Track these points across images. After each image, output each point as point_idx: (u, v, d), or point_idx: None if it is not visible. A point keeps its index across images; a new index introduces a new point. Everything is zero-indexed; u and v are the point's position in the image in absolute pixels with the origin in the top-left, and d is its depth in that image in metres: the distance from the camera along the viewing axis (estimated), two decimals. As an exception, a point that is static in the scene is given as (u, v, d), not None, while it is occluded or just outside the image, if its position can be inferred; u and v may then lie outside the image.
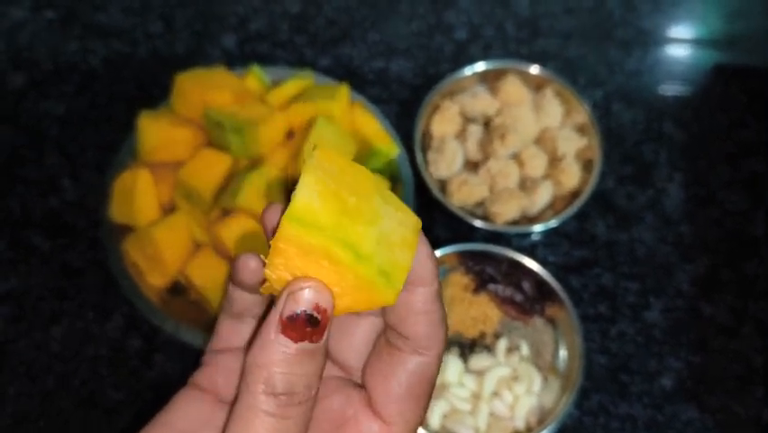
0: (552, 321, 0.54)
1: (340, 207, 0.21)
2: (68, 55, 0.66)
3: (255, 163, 0.51)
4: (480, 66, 0.61)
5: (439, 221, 0.59)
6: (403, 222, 0.23)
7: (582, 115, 0.59)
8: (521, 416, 0.50)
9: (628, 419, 0.52)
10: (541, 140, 0.60)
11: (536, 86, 0.62)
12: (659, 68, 0.66)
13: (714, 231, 0.59)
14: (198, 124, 0.52)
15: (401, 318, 0.25)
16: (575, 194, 0.57)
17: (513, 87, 0.60)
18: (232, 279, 0.27)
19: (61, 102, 0.63)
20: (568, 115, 0.61)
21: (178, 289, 0.52)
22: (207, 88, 0.52)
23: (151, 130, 0.51)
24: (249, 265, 0.26)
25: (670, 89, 0.65)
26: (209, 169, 0.49)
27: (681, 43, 0.68)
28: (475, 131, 0.60)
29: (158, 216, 0.51)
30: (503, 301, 0.54)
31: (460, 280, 0.55)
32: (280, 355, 0.22)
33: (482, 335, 0.54)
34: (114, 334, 0.55)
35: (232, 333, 0.29)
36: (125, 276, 0.50)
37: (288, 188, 0.23)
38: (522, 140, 0.59)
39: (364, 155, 0.53)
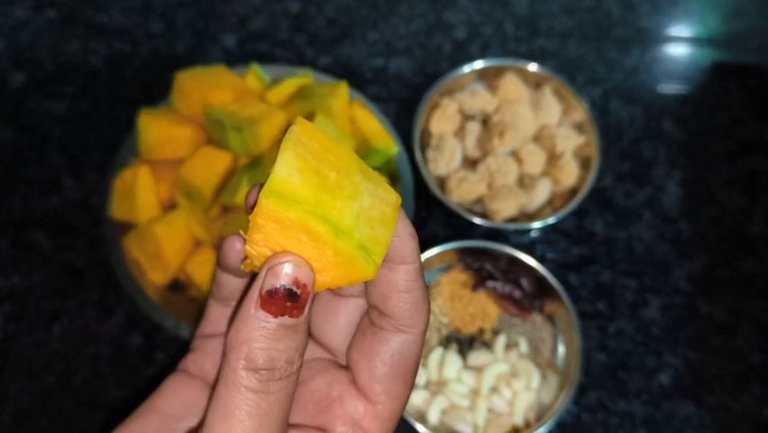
0: (550, 318, 0.54)
1: (319, 182, 0.21)
2: (70, 55, 0.66)
3: (255, 161, 0.51)
4: (479, 64, 0.62)
5: (438, 218, 0.59)
6: (383, 198, 0.23)
7: (581, 112, 0.60)
8: (519, 412, 0.50)
9: (626, 416, 0.53)
10: (539, 137, 0.60)
11: (535, 84, 0.62)
12: (657, 66, 0.67)
13: (712, 229, 0.59)
14: (198, 122, 0.53)
15: (384, 297, 0.25)
16: (574, 191, 0.57)
17: (512, 85, 0.60)
18: (218, 263, 0.27)
19: (63, 102, 0.64)
20: (566, 113, 0.61)
21: (178, 286, 0.52)
22: (207, 87, 0.52)
23: (152, 128, 0.51)
24: (235, 247, 0.26)
25: (668, 87, 0.66)
26: (209, 166, 0.49)
27: (679, 42, 0.68)
28: (474, 128, 0.60)
29: (158, 214, 0.51)
30: (502, 298, 0.54)
31: (458, 277, 0.55)
32: (260, 331, 0.22)
33: (481, 331, 0.54)
34: (114, 332, 0.55)
35: (220, 318, 0.29)
36: (126, 273, 0.50)
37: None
38: (520, 137, 0.59)
39: (363, 153, 0.54)
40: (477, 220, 0.55)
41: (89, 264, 0.57)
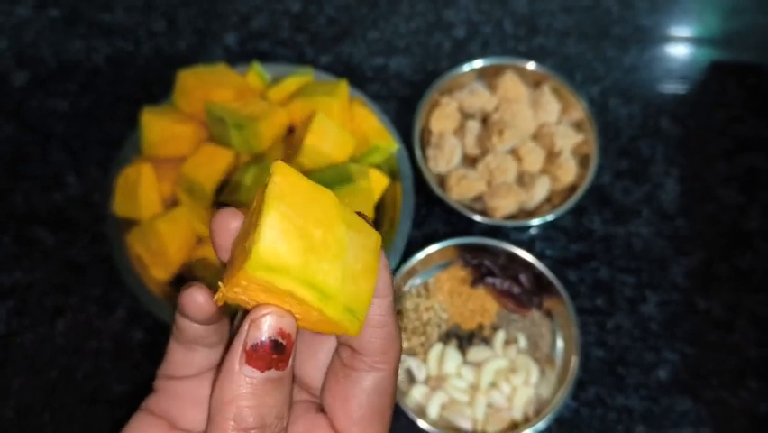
0: (549, 314, 0.55)
1: (306, 245, 0.21)
2: (72, 53, 0.66)
3: (256, 158, 0.51)
4: (479, 63, 0.62)
5: (438, 215, 0.59)
6: (365, 245, 0.22)
7: (579, 111, 0.60)
8: (518, 407, 0.51)
9: (624, 411, 0.53)
10: (538, 135, 0.60)
11: (534, 82, 0.63)
12: (656, 64, 0.67)
13: (710, 225, 0.60)
14: (200, 119, 0.53)
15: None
16: (572, 189, 0.58)
17: (511, 84, 0.61)
18: (178, 309, 0.25)
19: (65, 99, 0.64)
20: (565, 112, 0.61)
21: (180, 282, 0.53)
22: (209, 85, 0.52)
23: (154, 125, 0.51)
24: (196, 300, 0.24)
25: (667, 86, 0.66)
26: (211, 164, 0.50)
27: (678, 40, 0.69)
28: (473, 127, 0.60)
29: (160, 211, 0.51)
30: (501, 294, 0.54)
31: (458, 274, 0.55)
32: (247, 387, 0.21)
33: (480, 327, 0.54)
34: (117, 327, 0.55)
35: (183, 361, 0.27)
36: (129, 269, 0.50)
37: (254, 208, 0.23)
38: (520, 135, 0.59)
39: (364, 151, 0.54)
40: (477, 217, 0.56)
41: (91, 260, 0.58)
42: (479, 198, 0.59)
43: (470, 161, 0.61)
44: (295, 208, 0.21)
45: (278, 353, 0.22)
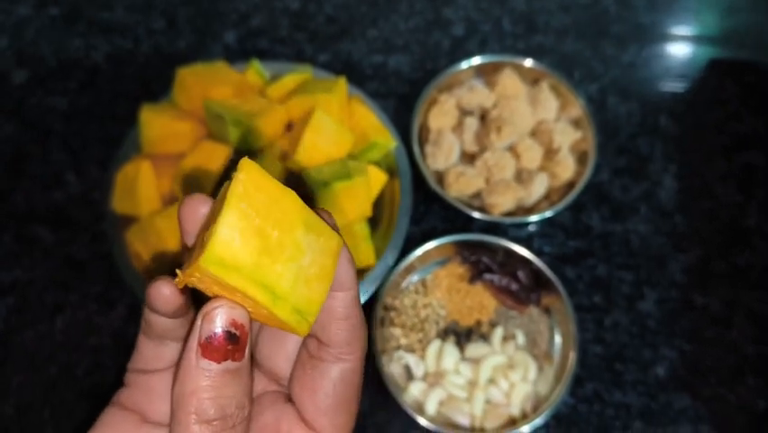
0: (547, 311, 0.55)
1: (261, 245, 0.21)
2: (72, 51, 0.67)
3: (254, 155, 0.52)
4: (477, 60, 0.62)
5: (436, 212, 0.60)
6: (324, 248, 0.23)
7: (577, 108, 0.60)
8: (516, 403, 0.51)
9: (622, 407, 0.53)
10: (536, 132, 0.61)
11: (532, 79, 0.63)
12: (654, 62, 0.67)
13: (707, 222, 0.60)
14: (199, 116, 0.53)
15: (322, 325, 0.25)
16: (570, 185, 0.58)
17: (509, 81, 0.61)
18: (147, 304, 0.26)
19: (65, 97, 0.64)
20: (563, 109, 0.61)
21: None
22: (208, 82, 0.53)
23: (153, 122, 0.52)
24: (162, 293, 0.25)
25: (665, 84, 0.66)
26: (209, 160, 0.50)
27: (676, 38, 0.69)
28: (471, 124, 0.60)
29: (159, 207, 0.52)
30: (499, 291, 0.55)
31: (456, 270, 0.56)
32: (206, 380, 0.22)
33: (478, 323, 0.54)
34: (116, 324, 0.56)
35: (153, 355, 0.28)
36: (128, 266, 0.51)
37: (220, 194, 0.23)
38: (518, 132, 0.59)
39: (362, 147, 0.54)
40: (475, 214, 0.56)
41: (91, 258, 0.58)
42: (477, 195, 0.59)
43: (468, 158, 0.61)
44: (255, 208, 0.21)
45: (232, 344, 0.22)
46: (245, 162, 0.22)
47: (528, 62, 0.62)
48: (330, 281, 0.23)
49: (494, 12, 0.69)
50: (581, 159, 0.59)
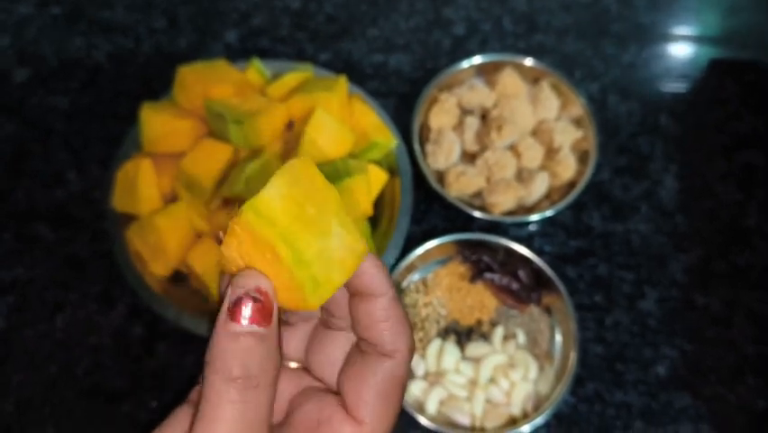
0: (548, 310, 0.55)
1: (297, 213, 0.23)
2: (73, 50, 0.67)
3: (255, 154, 0.52)
4: (477, 59, 0.62)
5: (437, 211, 0.60)
6: (350, 247, 0.25)
7: (578, 107, 0.60)
8: (517, 403, 0.51)
9: (623, 407, 0.53)
10: (537, 132, 0.61)
11: (533, 79, 0.63)
12: (655, 62, 0.67)
13: (708, 222, 0.60)
14: (200, 115, 0.53)
15: (366, 328, 0.27)
16: (571, 185, 0.58)
17: (510, 80, 0.61)
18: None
19: (66, 96, 0.64)
20: (564, 108, 0.61)
21: (179, 277, 0.53)
22: (209, 81, 0.53)
23: (154, 121, 0.52)
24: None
25: (666, 83, 0.66)
26: (210, 159, 0.50)
27: (676, 38, 0.69)
28: (472, 123, 0.60)
29: (159, 206, 0.52)
30: (500, 290, 0.55)
31: (457, 269, 0.56)
32: (231, 343, 0.23)
33: (479, 323, 0.54)
34: (116, 323, 0.56)
35: None
36: (128, 264, 0.51)
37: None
38: (519, 131, 0.59)
39: (363, 147, 0.54)
40: (476, 213, 0.56)
41: (92, 257, 0.58)
42: (478, 194, 0.59)
43: (469, 158, 0.61)
44: (300, 186, 0.24)
45: (257, 308, 0.24)
46: (304, 158, 0.24)
47: (529, 61, 0.62)
48: (346, 278, 0.25)
49: (494, 11, 0.69)
50: (582, 158, 0.59)
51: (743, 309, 0.56)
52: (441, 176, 0.59)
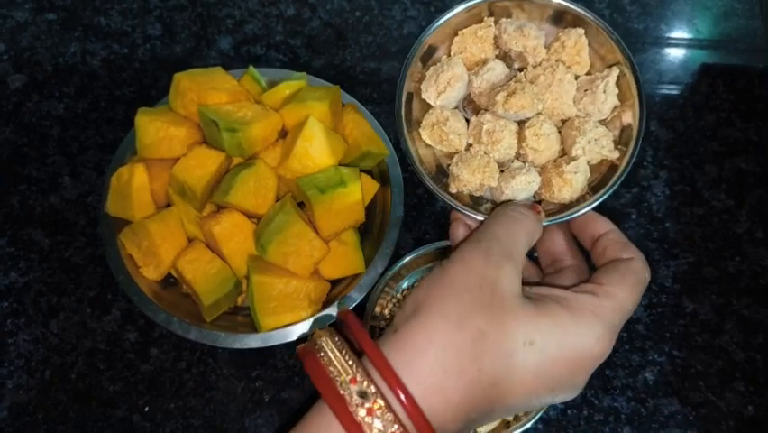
0: (537, 316, 0.55)
1: None
2: (69, 56, 0.67)
3: (248, 161, 0.52)
4: None
5: (427, 219, 0.60)
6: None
7: (629, 116, 0.45)
8: (506, 408, 0.51)
9: (612, 412, 0.53)
10: (566, 125, 0.46)
11: (605, 63, 0.47)
12: (646, 68, 0.67)
13: (698, 228, 0.60)
14: (195, 121, 0.54)
15: (603, 253, 0.41)
16: (565, 207, 0.44)
17: (574, 44, 0.46)
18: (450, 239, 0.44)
19: (61, 102, 0.65)
20: (618, 115, 0.46)
21: (171, 282, 0.53)
22: (204, 87, 0.53)
23: (149, 127, 0.52)
24: (456, 232, 0.43)
25: (656, 89, 0.66)
26: (202, 165, 0.50)
27: (668, 44, 0.69)
28: (496, 68, 0.46)
29: (153, 211, 0.52)
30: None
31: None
32: (530, 222, 0.39)
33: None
34: (110, 328, 0.56)
35: None
36: (121, 268, 0.51)
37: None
38: (535, 110, 0.44)
39: (355, 156, 0.54)
40: (431, 186, 0.44)
41: (86, 262, 0.58)
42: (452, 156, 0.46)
43: (473, 109, 0.47)
44: None
45: (536, 209, 0.41)
46: None
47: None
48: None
49: (488, 18, 0.70)
50: (598, 174, 0.45)
51: (732, 316, 0.57)
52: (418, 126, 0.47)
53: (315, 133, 0.51)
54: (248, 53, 0.67)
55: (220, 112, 0.51)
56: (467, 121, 0.47)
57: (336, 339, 0.33)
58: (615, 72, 0.46)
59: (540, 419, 0.50)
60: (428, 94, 0.47)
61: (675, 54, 0.69)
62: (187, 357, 0.55)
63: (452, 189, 0.45)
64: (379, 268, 0.52)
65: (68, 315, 0.56)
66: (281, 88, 0.56)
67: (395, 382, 0.30)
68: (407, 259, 0.54)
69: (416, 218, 0.60)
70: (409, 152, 0.46)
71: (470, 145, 0.47)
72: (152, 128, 0.52)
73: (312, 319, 0.49)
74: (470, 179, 0.44)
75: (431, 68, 0.47)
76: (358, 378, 0.31)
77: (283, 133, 0.54)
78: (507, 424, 0.51)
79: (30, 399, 0.54)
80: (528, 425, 0.49)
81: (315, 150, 0.51)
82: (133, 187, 0.51)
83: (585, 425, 0.53)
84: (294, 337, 0.49)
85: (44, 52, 0.67)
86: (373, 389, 0.30)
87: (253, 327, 0.50)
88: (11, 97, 0.65)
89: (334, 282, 0.53)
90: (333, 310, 0.50)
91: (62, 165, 0.62)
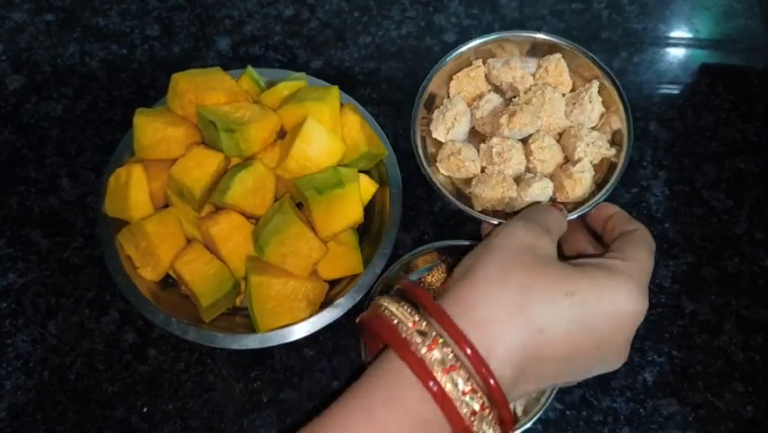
0: (536, 317, 0.55)
1: None
2: (67, 57, 0.67)
3: (246, 162, 0.52)
4: (539, 35, 0.57)
5: (425, 220, 0.60)
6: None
7: (618, 121, 0.54)
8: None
9: (611, 413, 0.53)
10: (564, 135, 0.54)
11: (582, 78, 0.57)
12: (645, 68, 0.67)
13: (698, 228, 0.60)
14: (193, 122, 0.54)
15: (612, 229, 0.47)
16: (580, 203, 0.52)
17: (555, 67, 0.55)
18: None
19: (60, 103, 0.65)
20: (606, 121, 0.55)
21: (169, 283, 0.53)
22: (202, 88, 0.53)
23: (147, 127, 0.52)
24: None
25: (656, 89, 0.66)
26: (200, 166, 0.50)
27: (667, 44, 0.69)
28: (492, 100, 0.54)
29: (151, 212, 0.52)
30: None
31: (442, 276, 0.56)
32: (556, 211, 0.46)
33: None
34: (109, 329, 0.56)
35: None
36: (119, 269, 0.51)
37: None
38: (535, 126, 0.53)
39: (354, 156, 0.54)
40: (453, 200, 0.52)
41: (85, 263, 0.58)
42: (469, 182, 0.54)
43: (478, 140, 0.55)
44: None
45: (559, 207, 0.47)
46: None
47: (588, 56, 0.56)
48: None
49: (485, 18, 0.70)
50: (600, 173, 0.53)
51: (732, 316, 0.56)
52: (434, 157, 0.55)
53: (314, 133, 0.51)
54: (246, 54, 0.67)
55: (218, 112, 0.51)
56: (476, 149, 0.56)
57: (394, 297, 0.38)
58: (596, 84, 0.55)
59: (539, 419, 0.50)
60: (438, 132, 0.55)
61: (674, 54, 0.69)
62: (185, 358, 0.55)
63: (477, 208, 0.53)
64: (378, 268, 0.52)
65: (67, 316, 0.56)
66: (280, 89, 0.56)
67: (448, 323, 0.35)
68: (406, 258, 0.54)
69: (415, 219, 0.60)
70: (435, 183, 0.53)
71: (483, 168, 0.54)
72: (151, 129, 0.52)
73: (311, 320, 0.49)
74: (491, 195, 0.52)
75: (435, 111, 0.55)
76: (417, 321, 0.35)
77: (282, 134, 0.54)
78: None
79: (28, 399, 0.54)
80: (528, 425, 0.49)
81: (314, 150, 0.51)
82: (132, 187, 0.51)
83: (584, 425, 0.53)
84: (293, 338, 0.49)
85: (42, 53, 0.67)
86: (431, 330, 0.35)
87: (252, 328, 0.50)
88: (9, 98, 0.65)
89: (333, 283, 0.53)
90: (333, 312, 0.50)
91: (61, 166, 0.62)
